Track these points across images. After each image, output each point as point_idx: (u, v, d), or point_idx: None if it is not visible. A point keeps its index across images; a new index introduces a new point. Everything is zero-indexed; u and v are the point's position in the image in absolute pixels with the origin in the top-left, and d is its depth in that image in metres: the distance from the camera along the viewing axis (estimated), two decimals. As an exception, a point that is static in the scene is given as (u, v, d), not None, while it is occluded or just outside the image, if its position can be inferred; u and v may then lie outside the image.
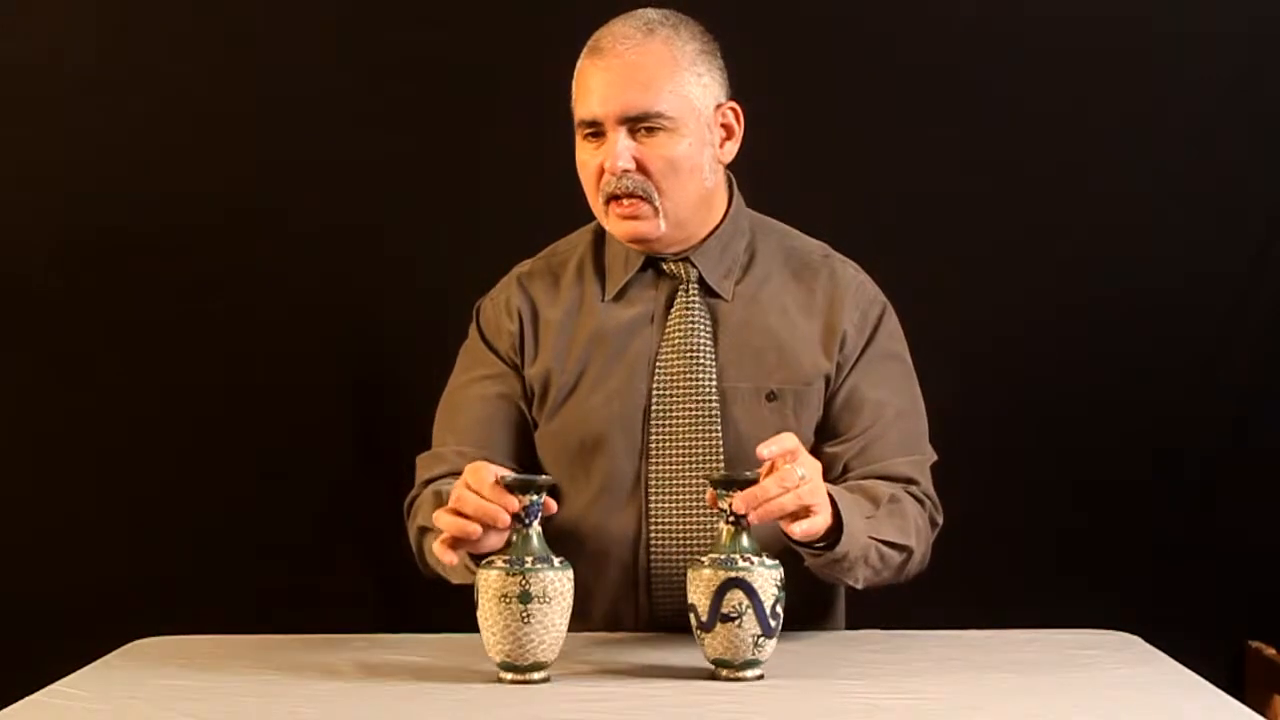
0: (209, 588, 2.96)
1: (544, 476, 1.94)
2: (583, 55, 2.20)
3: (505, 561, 1.86)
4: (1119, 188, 3.01)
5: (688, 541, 2.17)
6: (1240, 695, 2.11)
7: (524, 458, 2.26)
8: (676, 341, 2.21)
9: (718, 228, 2.25)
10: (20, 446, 3.04)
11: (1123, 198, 3.01)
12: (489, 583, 1.85)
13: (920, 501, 2.20)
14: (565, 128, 2.22)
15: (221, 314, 3.02)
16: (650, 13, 2.20)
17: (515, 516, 1.87)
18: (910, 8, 3.00)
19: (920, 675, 1.92)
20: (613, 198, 2.18)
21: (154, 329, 3.02)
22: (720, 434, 2.18)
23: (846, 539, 2.01)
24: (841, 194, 2.93)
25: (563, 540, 2.00)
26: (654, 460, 2.19)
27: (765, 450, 1.89)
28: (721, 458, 2.17)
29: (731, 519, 1.88)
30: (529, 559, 1.85)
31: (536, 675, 1.86)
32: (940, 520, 2.24)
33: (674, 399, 2.19)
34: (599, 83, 2.16)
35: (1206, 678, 1.89)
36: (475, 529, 1.87)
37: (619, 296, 2.25)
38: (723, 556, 1.87)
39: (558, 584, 1.85)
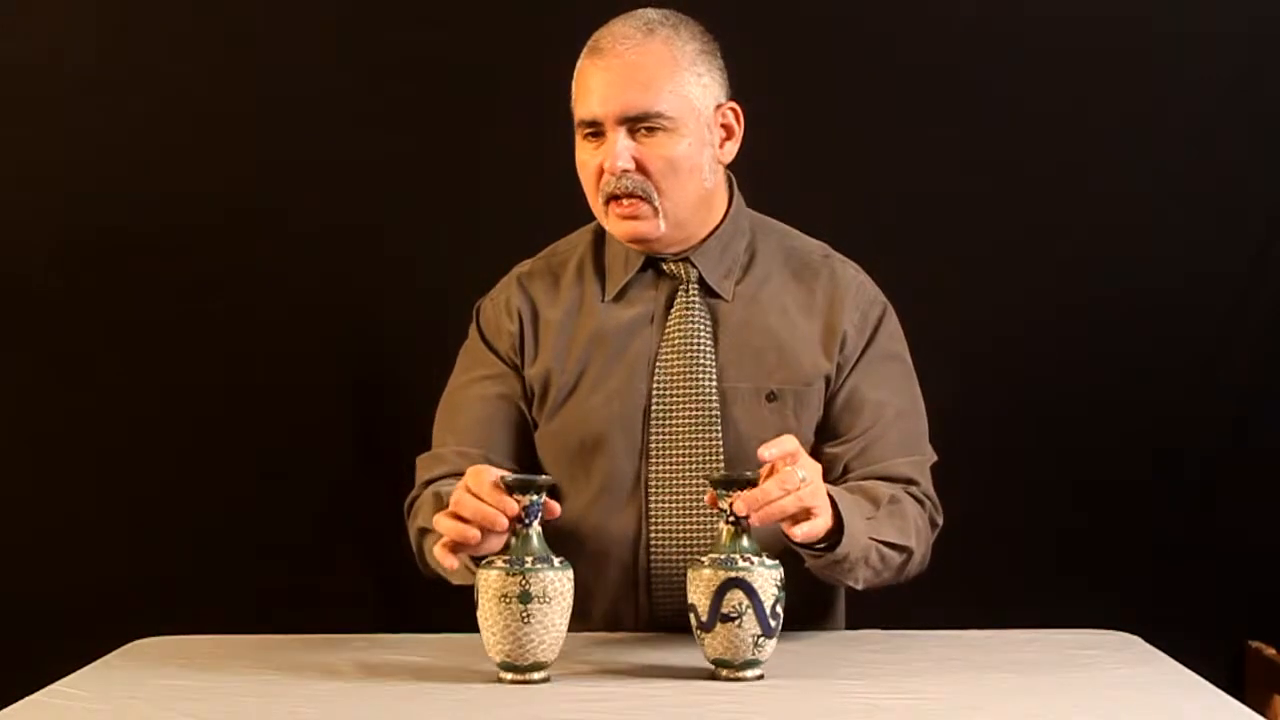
0: (209, 588, 2.96)
1: (544, 477, 1.93)
2: (583, 55, 2.20)
3: (505, 561, 1.86)
4: (1119, 188, 3.01)
5: (688, 542, 2.17)
6: (1240, 695, 2.11)
7: (524, 458, 2.26)
8: (676, 341, 2.21)
9: (718, 228, 2.25)
10: (20, 446, 3.04)
11: (1123, 198, 3.01)
12: (489, 583, 1.85)
13: (920, 502, 2.20)
14: (565, 128, 2.22)
15: (221, 314, 3.02)
16: (650, 13, 2.20)
17: (515, 517, 1.87)
18: (910, 8, 3.00)
19: (920, 675, 1.92)
20: (612, 198, 2.18)
21: (154, 329, 3.02)
22: (720, 434, 2.18)
23: (847, 540, 2.01)
24: (841, 194, 2.93)
25: (563, 540, 2.00)
26: (654, 460, 2.19)
27: (766, 452, 1.89)
28: (721, 458, 2.17)
29: (731, 519, 1.88)
30: (529, 559, 1.85)
31: (536, 675, 1.86)
32: (940, 521, 2.24)
33: (674, 399, 2.19)
34: (599, 83, 2.16)
35: (1206, 678, 1.89)
36: (474, 533, 1.87)
37: (619, 297, 2.25)
38: (723, 556, 1.87)
39: (558, 584, 1.85)
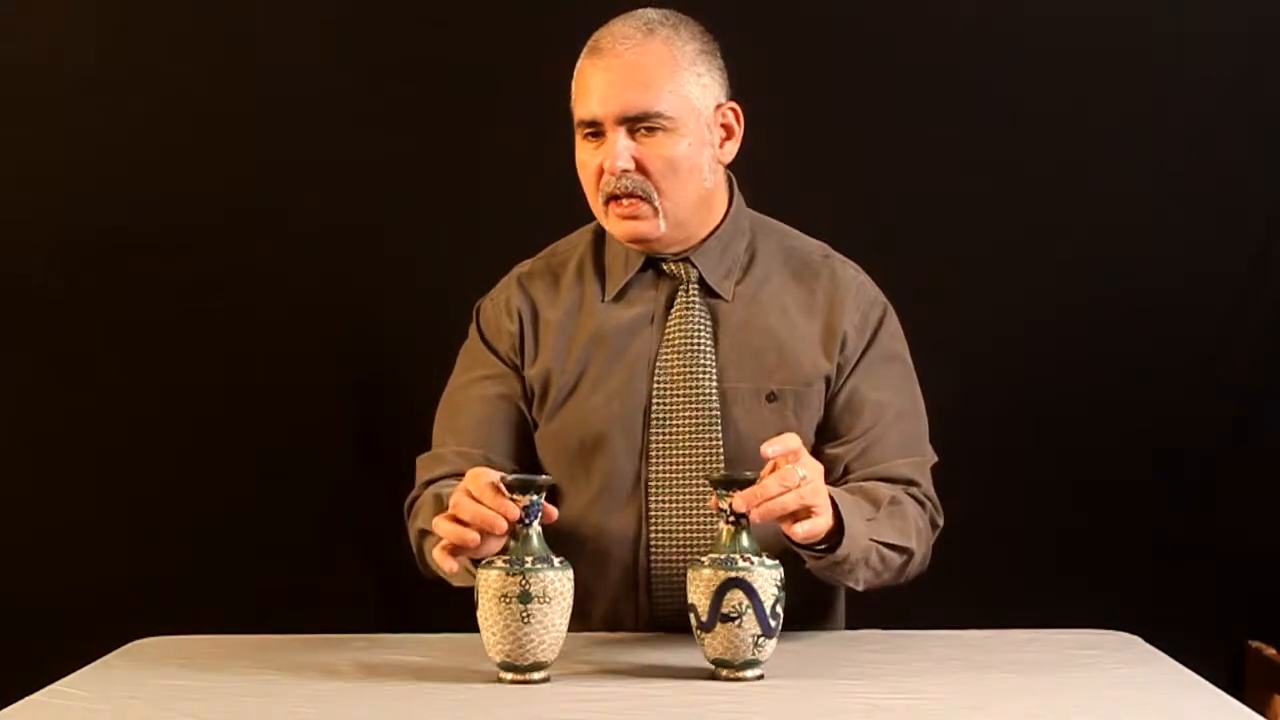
0: (209, 588, 2.96)
1: (544, 477, 1.93)
2: (583, 55, 2.20)
3: (505, 561, 1.86)
4: (1119, 188, 3.01)
5: (688, 542, 2.17)
6: (1240, 695, 2.11)
7: (524, 458, 2.26)
8: (677, 342, 2.21)
9: (718, 228, 2.25)
10: (20, 446, 3.04)
11: (1123, 198, 3.01)
12: (489, 583, 1.85)
13: (921, 503, 2.20)
14: (565, 128, 2.22)
15: (221, 314, 3.02)
16: (650, 13, 2.20)
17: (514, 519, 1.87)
18: (910, 8, 3.00)
19: (920, 675, 1.92)
20: (612, 198, 2.17)
21: (154, 329, 3.02)
22: (720, 434, 2.18)
23: (847, 541, 2.01)
24: (841, 194, 2.93)
25: (563, 540, 2.00)
26: (654, 461, 2.19)
27: (769, 448, 1.89)
28: (721, 458, 2.17)
29: (731, 519, 1.88)
30: (529, 559, 1.85)
31: (536, 675, 1.86)
32: (941, 522, 2.24)
33: (674, 399, 2.19)
34: (599, 83, 2.16)
35: (1206, 678, 1.89)
36: (474, 536, 1.87)
37: (619, 297, 2.25)
38: (723, 556, 1.87)
39: (558, 584, 1.85)
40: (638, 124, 2.15)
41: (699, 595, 1.87)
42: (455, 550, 1.90)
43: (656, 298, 2.24)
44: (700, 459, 2.18)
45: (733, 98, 2.23)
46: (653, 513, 2.18)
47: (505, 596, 1.83)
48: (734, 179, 2.30)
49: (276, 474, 3.02)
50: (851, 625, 2.33)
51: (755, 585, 1.85)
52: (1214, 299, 3.02)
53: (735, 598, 1.84)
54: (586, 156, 2.19)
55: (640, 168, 2.16)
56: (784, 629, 1.88)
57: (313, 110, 3.00)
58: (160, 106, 3.01)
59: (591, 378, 2.23)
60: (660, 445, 2.19)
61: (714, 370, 2.20)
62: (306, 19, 3.01)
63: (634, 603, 2.20)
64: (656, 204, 2.17)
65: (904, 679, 1.89)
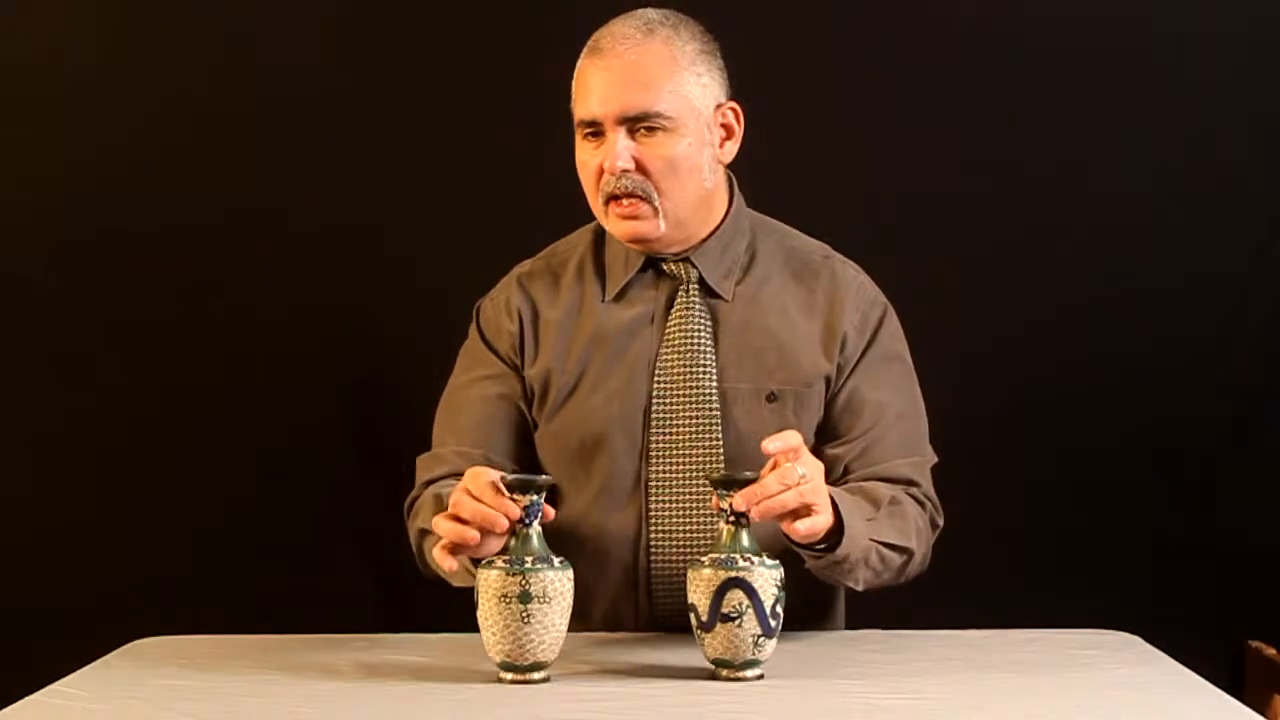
0: (209, 588, 2.95)
1: (544, 477, 1.93)
2: (582, 55, 2.20)
3: (505, 561, 1.86)
4: (1119, 188, 3.01)
5: (688, 542, 2.17)
6: (1240, 695, 2.11)
7: (524, 458, 2.26)
8: (677, 342, 2.21)
9: (718, 228, 2.25)
10: (20, 446, 3.04)
11: (1123, 198, 3.01)
12: (489, 583, 1.85)
13: (921, 503, 2.20)
14: (565, 128, 2.22)
15: (221, 314, 3.02)
16: (650, 13, 2.20)
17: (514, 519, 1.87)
18: (910, 8, 3.00)
19: (920, 675, 1.92)
20: (612, 198, 2.18)
21: (154, 329, 3.02)
22: (720, 435, 2.18)
23: (847, 541, 2.01)
24: (841, 194, 2.93)
25: (563, 540, 2.00)
26: (654, 461, 2.19)
27: (770, 445, 1.89)
28: (722, 458, 2.17)
29: (731, 518, 1.88)
30: (529, 559, 1.85)
31: (536, 675, 1.86)
32: (940, 522, 2.24)
33: (674, 400, 2.19)
34: (599, 83, 2.16)
35: (1206, 678, 1.89)
36: (474, 535, 1.87)
37: (619, 297, 2.25)
38: (723, 556, 1.87)
39: (558, 584, 1.85)
40: (638, 124, 2.15)
41: (699, 595, 1.87)
42: (455, 549, 1.90)
43: (656, 298, 2.24)
44: (700, 459, 2.18)
45: (733, 98, 2.23)
46: (653, 513, 2.18)
47: (505, 596, 1.83)
48: (734, 179, 2.30)
49: (276, 474, 3.02)
50: (851, 625, 2.33)
51: (755, 585, 1.85)
52: (1214, 299, 3.02)
53: (735, 598, 1.84)
54: (586, 156, 2.19)
55: (640, 168, 2.16)
56: (784, 629, 1.89)
57: (313, 110, 3.00)
58: (160, 106, 3.01)
59: (591, 378, 2.23)
60: (660, 445, 2.19)
61: (714, 370, 2.20)
62: (306, 19, 3.01)
63: (634, 603, 2.20)
64: (656, 204, 2.17)
65: (904, 679, 1.89)
